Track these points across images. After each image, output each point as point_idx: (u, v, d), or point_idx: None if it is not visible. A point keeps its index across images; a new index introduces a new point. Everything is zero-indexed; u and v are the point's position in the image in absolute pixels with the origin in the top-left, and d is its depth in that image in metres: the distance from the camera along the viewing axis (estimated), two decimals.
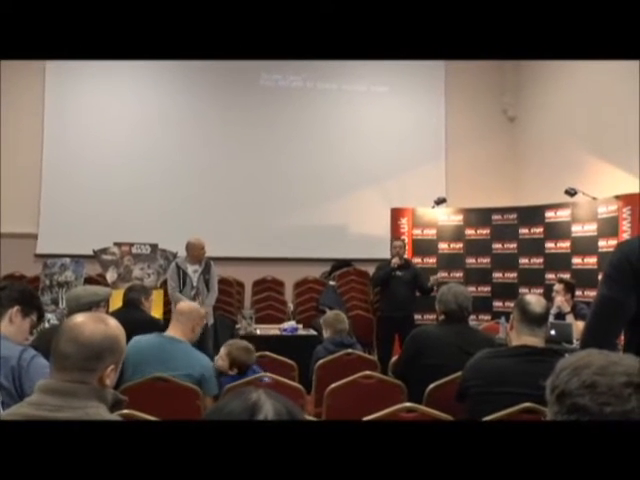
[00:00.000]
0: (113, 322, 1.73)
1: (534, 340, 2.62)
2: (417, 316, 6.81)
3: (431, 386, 3.06)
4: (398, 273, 6.38)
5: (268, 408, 0.95)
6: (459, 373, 2.83)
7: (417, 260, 7.48)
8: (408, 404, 2.60)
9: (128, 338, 3.19)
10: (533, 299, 2.70)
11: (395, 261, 6.38)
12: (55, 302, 6.33)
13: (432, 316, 7.08)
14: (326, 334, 4.37)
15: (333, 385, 3.21)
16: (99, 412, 1.55)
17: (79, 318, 1.69)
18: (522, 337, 2.64)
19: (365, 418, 2.44)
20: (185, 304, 3.60)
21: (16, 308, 2.45)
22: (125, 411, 2.13)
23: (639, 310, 2.01)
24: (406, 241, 7.14)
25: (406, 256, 6.74)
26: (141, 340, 3.28)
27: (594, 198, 6.58)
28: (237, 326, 6.12)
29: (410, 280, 6.41)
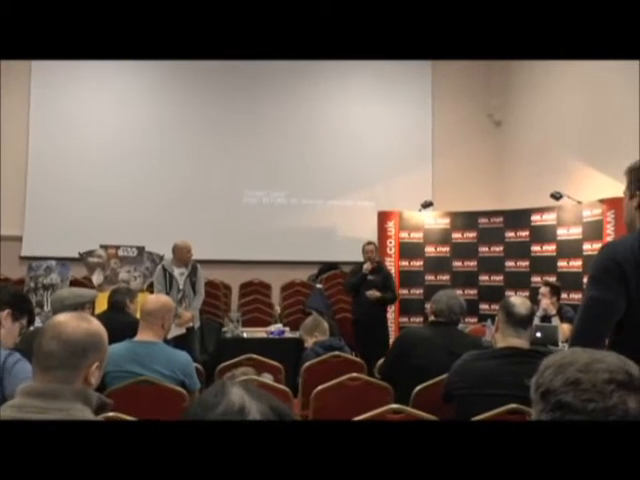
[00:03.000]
0: (95, 321, 1.75)
1: (519, 342, 2.63)
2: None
3: (418, 388, 3.07)
4: (370, 277, 6.33)
5: (254, 415, 0.89)
6: (446, 375, 2.84)
7: (404, 263, 7.50)
8: (395, 405, 2.61)
9: (114, 341, 3.17)
10: (518, 301, 2.72)
11: (367, 267, 6.32)
12: (40, 305, 6.27)
13: (419, 318, 7.15)
14: (310, 340, 4.34)
15: (320, 387, 3.21)
16: (84, 415, 1.54)
17: (61, 317, 1.70)
18: (507, 339, 2.66)
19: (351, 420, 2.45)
20: (150, 303, 3.32)
21: (7, 311, 2.42)
22: (111, 414, 2.12)
23: (625, 313, 1.99)
24: (377, 244, 6.89)
25: (378, 259, 6.58)
26: (112, 350, 3.12)
27: (579, 202, 6.65)
28: (224, 329, 6.11)
29: (381, 283, 6.35)
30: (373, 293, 6.22)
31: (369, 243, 6.61)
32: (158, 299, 3.41)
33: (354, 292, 6.54)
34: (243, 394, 0.91)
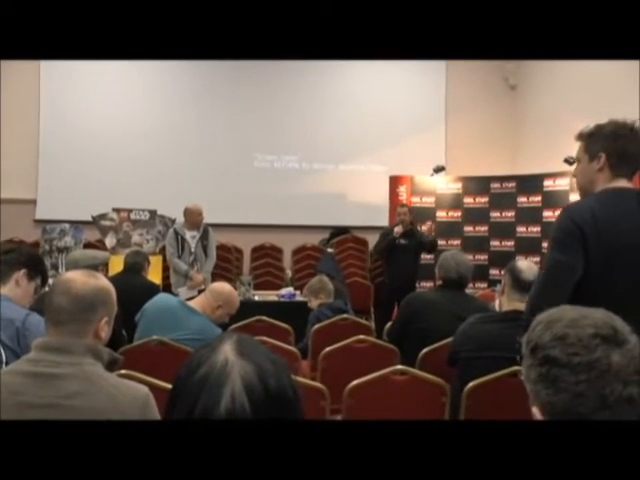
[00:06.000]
0: (103, 278, 1.81)
1: (524, 306, 2.65)
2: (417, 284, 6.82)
3: (424, 350, 3.11)
4: (402, 241, 6.24)
5: (235, 376, 0.86)
6: (452, 338, 2.87)
7: None
8: (400, 367, 2.66)
9: (130, 302, 3.24)
10: (524, 266, 2.73)
11: (397, 230, 6.24)
12: (55, 267, 6.38)
13: (429, 284, 7.16)
14: (315, 301, 4.35)
15: (327, 349, 3.26)
16: (95, 370, 1.60)
17: (70, 274, 1.77)
18: (513, 303, 2.68)
19: (357, 380, 2.50)
20: (219, 285, 3.46)
21: (23, 271, 2.46)
22: (123, 371, 2.18)
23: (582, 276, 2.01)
24: (409, 207, 6.72)
25: (406, 224, 6.31)
26: (162, 300, 3.30)
27: None
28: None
29: (414, 248, 6.28)
30: (398, 230, 6.19)
31: (402, 206, 6.53)
32: (226, 287, 3.45)
33: (385, 256, 6.47)
34: (231, 352, 0.89)
